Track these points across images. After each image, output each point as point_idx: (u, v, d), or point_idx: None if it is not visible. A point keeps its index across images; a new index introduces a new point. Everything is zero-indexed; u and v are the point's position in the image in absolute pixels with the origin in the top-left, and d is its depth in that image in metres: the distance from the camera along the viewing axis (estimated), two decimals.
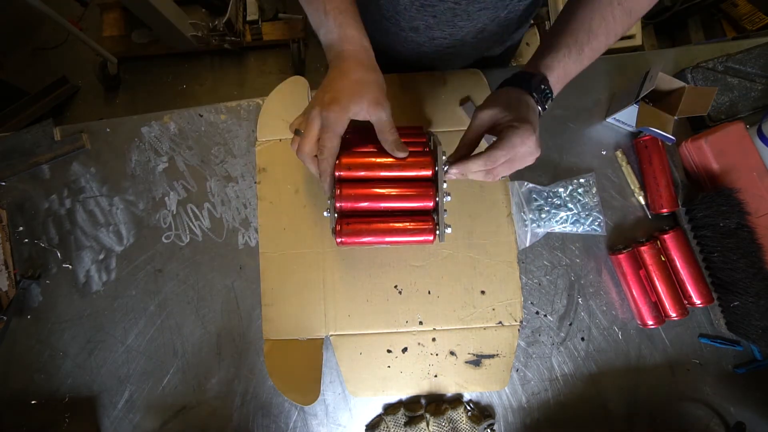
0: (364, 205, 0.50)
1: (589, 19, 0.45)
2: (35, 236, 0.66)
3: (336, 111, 0.42)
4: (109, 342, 0.64)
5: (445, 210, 0.50)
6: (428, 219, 0.51)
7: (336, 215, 0.51)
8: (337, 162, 0.48)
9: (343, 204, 0.49)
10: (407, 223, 0.51)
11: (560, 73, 0.47)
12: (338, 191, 0.49)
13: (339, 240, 0.50)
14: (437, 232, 0.50)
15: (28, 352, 0.64)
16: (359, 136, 0.51)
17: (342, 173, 0.49)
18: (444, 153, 0.49)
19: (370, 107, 0.43)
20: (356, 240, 0.51)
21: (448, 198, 0.51)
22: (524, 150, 0.43)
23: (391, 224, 0.51)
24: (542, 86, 0.46)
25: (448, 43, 0.62)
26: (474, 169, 0.45)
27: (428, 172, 0.51)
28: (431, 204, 0.51)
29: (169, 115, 0.68)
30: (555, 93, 0.47)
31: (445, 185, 0.50)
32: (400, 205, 0.51)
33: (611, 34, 0.45)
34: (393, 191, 0.50)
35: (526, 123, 0.43)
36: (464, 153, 0.48)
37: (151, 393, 0.63)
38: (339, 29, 0.45)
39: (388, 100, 0.45)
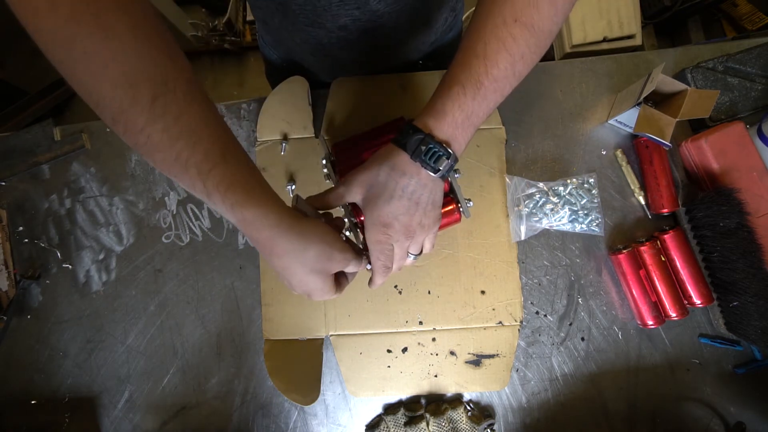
0: None
1: (482, 44, 0.37)
2: (35, 236, 0.66)
3: (325, 297, 0.42)
4: (109, 342, 0.64)
5: (459, 185, 0.50)
6: (448, 201, 0.52)
7: (359, 230, 0.50)
8: (344, 179, 0.48)
9: (363, 217, 0.49)
10: None
11: (456, 117, 0.38)
12: (351, 206, 0.48)
13: None
14: (461, 209, 0.50)
15: (28, 352, 0.64)
16: (350, 151, 0.51)
17: None
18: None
19: (335, 269, 0.41)
20: None
21: (459, 175, 0.51)
22: (384, 250, 0.41)
23: None
24: (423, 147, 0.37)
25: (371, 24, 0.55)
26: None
27: None
28: (446, 186, 0.51)
29: None
30: (458, 144, 0.39)
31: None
32: None
33: (516, 56, 0.37)
34: None
35: (375, 223, 0.40)
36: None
37: (151, 393, 0.63)
38: (233, 212, 0.34)
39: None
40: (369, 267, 0.45)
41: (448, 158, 0.38)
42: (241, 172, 0.34)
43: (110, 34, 0.28)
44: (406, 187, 0.39)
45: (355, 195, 0.42)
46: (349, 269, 0.43)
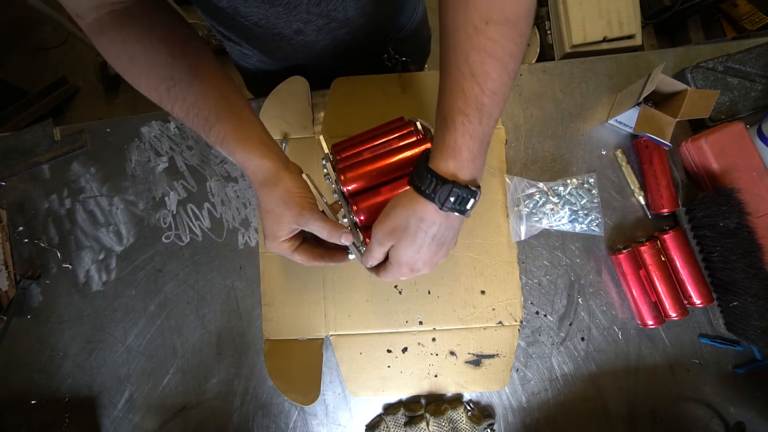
0: None
1: (465, 62, 0.35)
2: (35, 236, 0.66)
3: (272, 246, 0.45)
4: (109, 342, 0.64)
5: None
6: None
7: (359, 230, 0.50)
8: (343, 178, 0.48)
9: (363, 217, 0.48)
10: None
11: (472, 148, 0.36)
12: (355, 207, 0.48)
13: None
14: None
15: (28, 352, 0.64)
16: (350, 150, 0.52)
17: (351, 188, 0.48)
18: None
19: (293, 224, 0.43)
20: None
21: None
22: (402, 275, 0.44)
23: None
24: (451, 198, 0.37)
25: (336, 26, 0.56)
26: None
27: None
28: None
29: (170, 115, 0.68)
30: (480, 174, 0.39)
31: None
32: None
33: (504, 58, 0.35)
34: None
35: (399, 264, 0.43)
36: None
37: (151, 393, 0.63)
38: (232, 156, 0.44)
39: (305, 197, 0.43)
40: (351, 257, 0.48)
41: (474, 198, 0.38)
42: (234, 127, 0.42)
43: (127, 47, 0.40)
44: (435, 234, 0.40)
45: (386, 247, 0.43)
46: (316, 230, 0.44)
